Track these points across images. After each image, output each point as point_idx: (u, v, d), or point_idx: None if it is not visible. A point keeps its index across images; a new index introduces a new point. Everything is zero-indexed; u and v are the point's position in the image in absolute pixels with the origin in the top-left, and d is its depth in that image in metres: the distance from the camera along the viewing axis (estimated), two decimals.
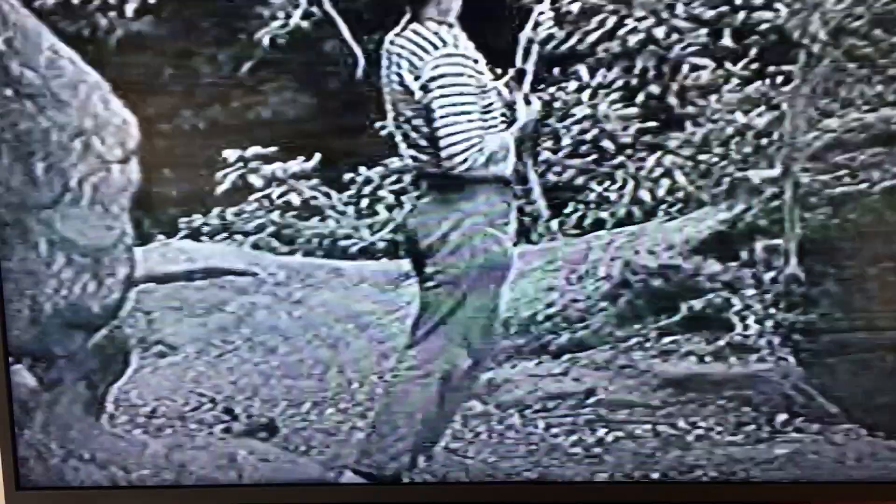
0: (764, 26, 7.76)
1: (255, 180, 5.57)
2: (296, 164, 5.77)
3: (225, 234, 5.56)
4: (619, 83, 9.19)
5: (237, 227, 5.56)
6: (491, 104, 4.47)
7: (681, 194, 8.28)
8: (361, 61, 5.40)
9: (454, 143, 4.10)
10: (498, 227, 4.10)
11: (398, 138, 4.27)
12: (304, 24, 5.23)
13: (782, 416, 4.76)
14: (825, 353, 4.83)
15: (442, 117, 4.08)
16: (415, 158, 4.20)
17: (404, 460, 4.39)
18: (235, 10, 5.07)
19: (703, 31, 8.99)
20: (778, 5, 6.43)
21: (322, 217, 6.60)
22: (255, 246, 5.58)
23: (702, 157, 8.20)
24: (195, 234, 5.40)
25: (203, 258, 5.51)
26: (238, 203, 5.48)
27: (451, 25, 4.19)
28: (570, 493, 4.81)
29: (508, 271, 4.25)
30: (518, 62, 4.79)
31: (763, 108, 7.24)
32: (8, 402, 4.85)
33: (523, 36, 4.49)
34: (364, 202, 9.20)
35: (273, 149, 5.45)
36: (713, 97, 8.21)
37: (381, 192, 9.30)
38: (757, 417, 4.89)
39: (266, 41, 5.21)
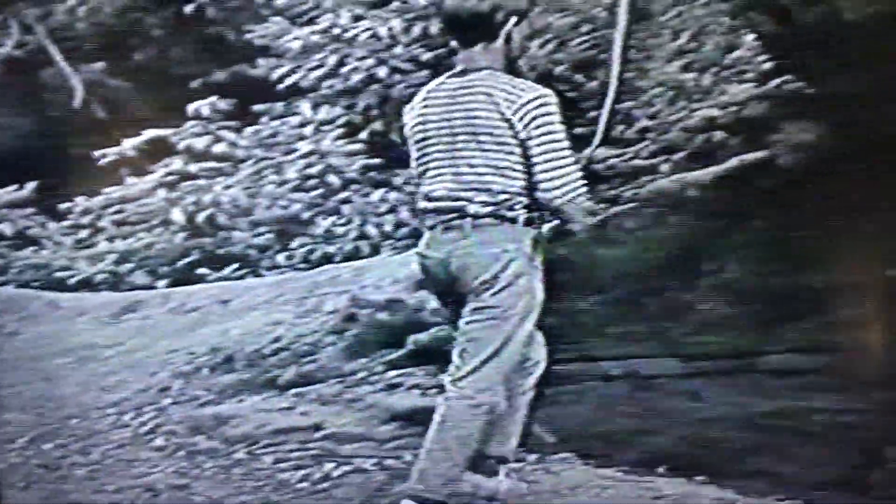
0: None
1: None
2: (9, 193, 5.56)
3: None
4: (343, 119, 9.34)
5: None
6: None
7: (406, 229, 8.48)
8: (79, 90, 5.28)
9: (555, 178, 3.92)
10: (534, 267, 4.00)
11: (445, 180, 4.02)
12: (18, 52, 5.07)
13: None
14: (542, 383, 5.01)
15: (544, 153, 3.90)
16: (465, 199, 4.00)
17: (455, 485, 4.23)
18: None
19: (424, 72, 9.26)
20: None
21: (38, 247, 6.40)
22: None
23: None
24: None
25: None
26: None
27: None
28: None
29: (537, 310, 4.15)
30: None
31: None
32: None
33: None
34: (83, 233, 8.94)
35: None
36: None
37: (101, 223, 9.07)
38: None
39: None
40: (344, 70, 9.75)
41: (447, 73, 3.98)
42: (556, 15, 5.14)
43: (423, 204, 3.99)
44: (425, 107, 3.97)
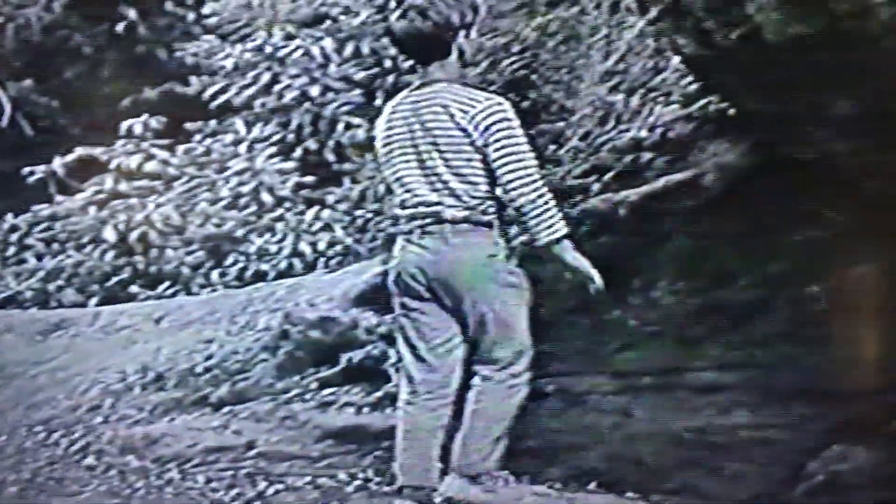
0: None
1: None
2: None
3: None
4: (276, 138, 9.33)
5: None
6: None
7: (339, 247, 8.48)
8: (7, 108, 5.23)
9: (516, 178, 4.06)
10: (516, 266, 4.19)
11: (417, 188, 4.09)
12: None
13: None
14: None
15: (503, 156, 4.07)
16: (439, 203, 4.09)
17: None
18: None
19: (357, 91, 9.29)
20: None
21: None
22: None
23: (359, 212, 8.45)
24: None
25: None
26: None
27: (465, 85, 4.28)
28: None
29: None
30: None
31: None
32: None
33: None
34: (10, 249, 8.82)
35: None
36: (369, 155, 8.48)
37: (29, 240, 8.97)
38: None
39: None
40: (277, 88, 9.75)
41: (408, 88, 4.14)
42: (486, 35, 5.21)
43: (398, 212, 4.17)
44: (390, 121, 4.15)
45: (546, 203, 3.95)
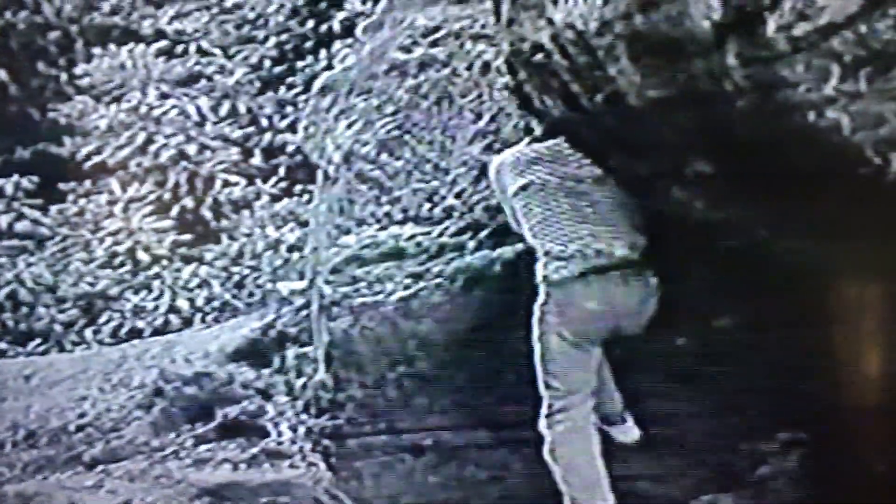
0: (290, 148, 8.15)
1: None
2: None
3: None
4: (153, 197, 9.30)
5: None
6: None
7: (217, 303, 8.46)
8: None
9: None
10: None
11: (588, 231, 4.07)
12: None
13: None
14: (352, 457, 5.08)
15: None
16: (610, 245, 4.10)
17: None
18: None
19: (234, 149, 9.32)
20: (299, 128, 6.70)
21: None
22: None
23: (236, 268, 8.44)
24: None
25: None
26: None
27: None
28: None
29: None
30: None
31: (292, 224, 7.60)
32: None
33: None
34: None
35: None
36: (246, 212, 8.51)
37: None
38: None
39: None
40: (152, 148, 9.70)
41: (527, 140, 4.17)
42: (360, 97, 5.32)
43: (555, 253, 4.20)
44: (526, 171, 4.14)
45: None
